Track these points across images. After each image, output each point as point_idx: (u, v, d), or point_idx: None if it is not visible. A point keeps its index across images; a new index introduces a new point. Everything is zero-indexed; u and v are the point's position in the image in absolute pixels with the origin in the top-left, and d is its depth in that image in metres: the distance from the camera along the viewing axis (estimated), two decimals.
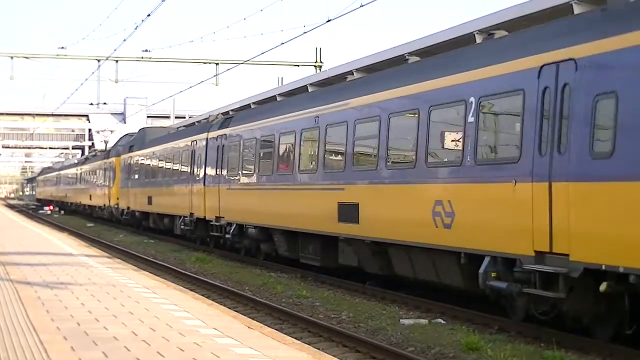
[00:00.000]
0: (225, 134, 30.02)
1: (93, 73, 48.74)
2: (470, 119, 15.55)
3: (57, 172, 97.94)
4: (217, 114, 40.68)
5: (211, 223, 30.91)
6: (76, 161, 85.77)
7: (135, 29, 34.47)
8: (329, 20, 27.24)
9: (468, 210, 15.55)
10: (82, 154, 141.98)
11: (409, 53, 29.86)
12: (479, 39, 24.85)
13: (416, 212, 17.09)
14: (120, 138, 61.46)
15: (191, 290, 18.43)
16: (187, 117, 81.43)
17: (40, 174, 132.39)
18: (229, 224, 29.18)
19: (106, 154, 59.93)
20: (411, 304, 18.74)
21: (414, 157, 17.38)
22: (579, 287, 13.13)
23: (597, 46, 12.60)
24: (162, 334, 10.51)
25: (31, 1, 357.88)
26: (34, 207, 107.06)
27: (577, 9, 20.74)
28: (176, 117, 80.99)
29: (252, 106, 41.30)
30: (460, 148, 15.79)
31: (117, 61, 48.21)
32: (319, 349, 13.81)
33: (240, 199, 27.95)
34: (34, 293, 14.42)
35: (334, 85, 26.13)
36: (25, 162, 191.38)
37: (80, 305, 12.94)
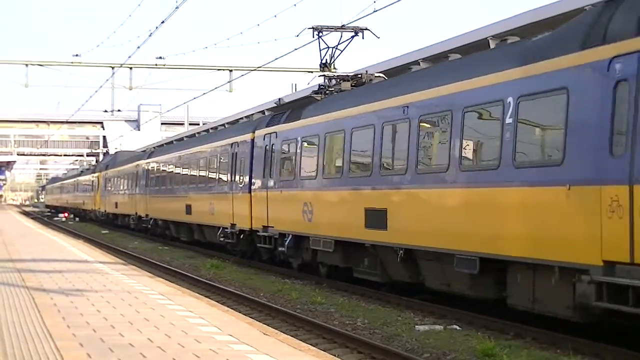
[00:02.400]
0: (277, 132, 27.02)
1: (107, 80, 48.93)
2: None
3: (60, 182, 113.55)
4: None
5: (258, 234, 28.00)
6: (75, 173, 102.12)
7: (150, 36, 34.63)
8: (342, 26, 27.26)
9: None
10: (97, 161, 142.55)
11: (422, 59, 29.96)
12: (492, 44, 24.79)
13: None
14: (104, 157, 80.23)
15: (206, 296, 18.46)
16: (200, 124, 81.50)
17: (48, 183, 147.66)
18: (281, 235, 26.01)
19: (91, 170, 76.94)
20: (426, 310, 18.72)
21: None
22: None
23: None
24: (177, 340, 10.54)
25: (46, 9, 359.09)
26: (49, 213, 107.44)
27: None
28: (190, 124, 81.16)
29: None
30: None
31: (131, 68, 48.34)
32: (334, 355, 13.83)
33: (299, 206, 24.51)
34: (49, 300, 14.47)
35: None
36: (40, 169, 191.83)
37: (96, 312, 12.98)
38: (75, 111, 68.23)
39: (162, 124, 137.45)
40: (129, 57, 41.65)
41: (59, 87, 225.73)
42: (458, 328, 16.57)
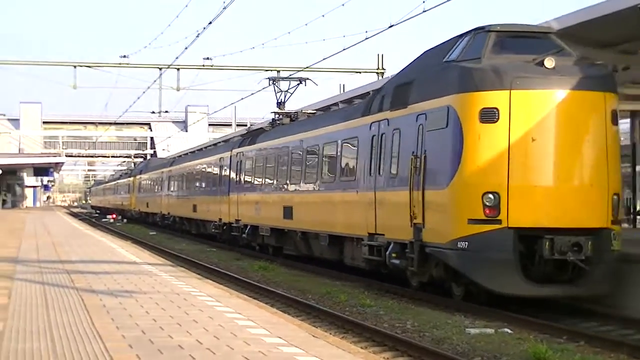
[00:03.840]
0: (243, 152, 38.04)
1: (155, 81, 49.25)
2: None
3: (103, 185, 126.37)
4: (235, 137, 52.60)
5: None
6: (116, 176, 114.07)
7: (197, 37, 34.76)
8: (391, 26, 27.23)
9: None
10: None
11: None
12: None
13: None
14: (140, 163, 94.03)
15: (255, 298, 18.49)
16: (248, 125, 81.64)
17: (92, 186, 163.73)
18: (245, 225, 36.59)
19: (129, 174, 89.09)
20: (476, 313, 18.62)
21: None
22: None
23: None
24: (226, 342, 10.56)
25: (94, 11, 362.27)
26: (96, 215, 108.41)
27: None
28: (237, 125, 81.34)
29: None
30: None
31: (178, 69, 48.61)
32: (383, 358, 13.81)
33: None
34: (98, 301, 14.57)
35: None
36: (88, 170, 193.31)
37: (145, 314, 13.05)
38: (123, 112, 68.71)
39: (209, 125, 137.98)
40: (177, 58, 41.87)
41: (107, 88, 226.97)
42: (509, 331, 16.46)
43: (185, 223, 53.40)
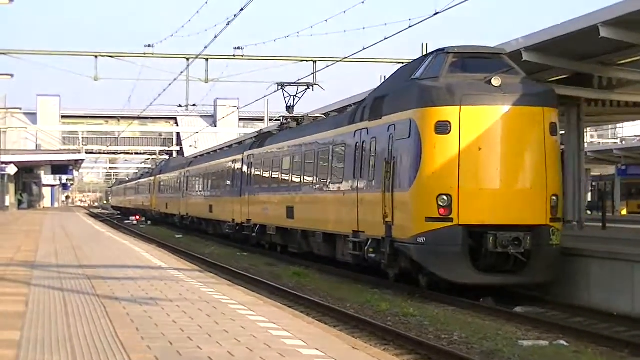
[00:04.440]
0: (253, 154, 42.48)
1: (182, 73, 49.13)
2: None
3: (124, 185, 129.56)
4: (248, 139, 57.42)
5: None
6: (138, 175, 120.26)
7: (227, 25, 34.67)
8: (436, 13, 27.12)
9: None
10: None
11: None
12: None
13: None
14: (160, 162, 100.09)
15: (289, 307, 18.51)
16: (281, 120, 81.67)
17: (113, 185, 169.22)
18: (255, 225, 41.25)
19: (149, 173, 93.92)
20: (529, 324, 18.55)
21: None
22: None
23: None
24: (260, 354, 10.57)
25: None
26: (118, 216, 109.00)
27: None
28: (270, 120, 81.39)
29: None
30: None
31: (207, 59, 48.63)
32: None
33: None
34: (122, 309, 14.63)
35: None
36: (110, 168, 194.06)
37: (172, 323, 13.09)
38: (147, 106, 68.72)
39: (240, 119, 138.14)
40: (205, 47, 41.77)
41: (130, 80, 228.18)
42: (565, 343, 16.38)
43: (203, 223, 57.98)
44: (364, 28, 73.84)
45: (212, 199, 53.15)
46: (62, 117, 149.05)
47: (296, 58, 48.88)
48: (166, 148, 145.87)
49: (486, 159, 22.41)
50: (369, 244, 25.59)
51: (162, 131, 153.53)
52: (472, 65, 23.92)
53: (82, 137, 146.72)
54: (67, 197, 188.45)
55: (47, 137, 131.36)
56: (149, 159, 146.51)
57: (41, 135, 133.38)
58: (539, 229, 22.35)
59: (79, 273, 21.37)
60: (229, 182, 47.82)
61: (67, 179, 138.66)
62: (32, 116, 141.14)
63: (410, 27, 29.35)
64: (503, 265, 22.32)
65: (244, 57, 47.92)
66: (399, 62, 46.65)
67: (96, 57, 48.49)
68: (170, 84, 51.44)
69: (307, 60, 47.67)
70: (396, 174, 23.85)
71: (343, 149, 28.62)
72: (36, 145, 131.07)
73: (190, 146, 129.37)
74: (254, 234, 40.83)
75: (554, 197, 22.69)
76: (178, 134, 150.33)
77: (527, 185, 22.61)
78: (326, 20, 48.24)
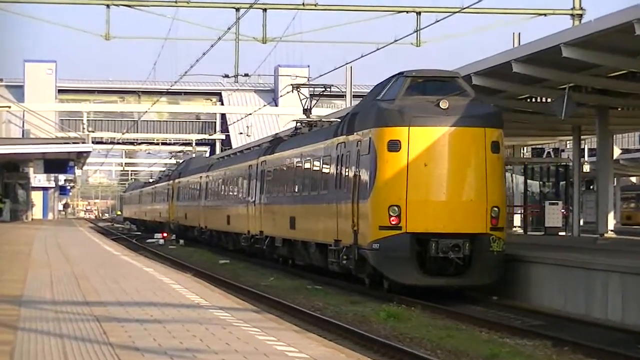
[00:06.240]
0: (265, 160, 53.90)
1: (229, 29, 49.35)
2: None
3: (139, 190, 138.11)
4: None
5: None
6: (151, 181, 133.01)
7: None
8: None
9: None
10: (212, 151, 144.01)
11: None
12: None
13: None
14: (180, 163, 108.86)
15: None
16: (367, 92, 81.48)
17: (126, 190, 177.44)
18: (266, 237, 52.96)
19: (168, 176, 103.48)
20: None
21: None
22: None
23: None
24: None
25: None
26: (137, 233, 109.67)
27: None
28: (354, 97, 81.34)
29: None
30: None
31: (264, 10, 48.89)
32: None
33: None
34: None
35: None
36: (126, 164, 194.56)
37: None
38: (180, 77, 69.32)
39: (311, 96, 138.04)
40: None
41: (157, 39, 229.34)
42: None
43: (222, 237, 67.87)
44: None
45: (229, 208, 63.23)
46: (60, 91, 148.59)
47: (391, 8, 48.90)
48: (206, 136, 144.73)
49: (431, 174, 34.45)
50: (343, 251, 37.72)
51: (200, 112, 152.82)
52: (428, 88, 36.10)
53: (88, 121, 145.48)
54: (66, 205, 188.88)
55: (38, 120, 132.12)
56: (181, 151, 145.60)
57: (30, 118, 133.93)
58: (479, 236, 34.34)
59: (84, 312, 21.52)
60: (244, 191, 58.29)
61: (65, 180, 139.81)
62: (17, 90, 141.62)
63: None
64: (446, 269, 34.34)
65: (316, 7, 48.07)
66: (542, 14, 46.40)
67: (108, 6, 48.75)
68: (212, 46, 51.77)
69: (407, 11, 47.79)
70: (360, 186, 36.23)
71: (329, 160, 40.71)
72: (22, 131, 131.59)
73: (241, 133, 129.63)
74: (265, 247, 52.31)
75: (495, 208, 34.59)
76: (223, 115, 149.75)
77: (469, 197, 34.68)
78: None
